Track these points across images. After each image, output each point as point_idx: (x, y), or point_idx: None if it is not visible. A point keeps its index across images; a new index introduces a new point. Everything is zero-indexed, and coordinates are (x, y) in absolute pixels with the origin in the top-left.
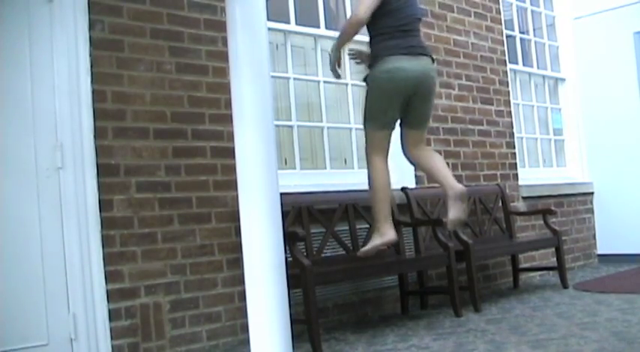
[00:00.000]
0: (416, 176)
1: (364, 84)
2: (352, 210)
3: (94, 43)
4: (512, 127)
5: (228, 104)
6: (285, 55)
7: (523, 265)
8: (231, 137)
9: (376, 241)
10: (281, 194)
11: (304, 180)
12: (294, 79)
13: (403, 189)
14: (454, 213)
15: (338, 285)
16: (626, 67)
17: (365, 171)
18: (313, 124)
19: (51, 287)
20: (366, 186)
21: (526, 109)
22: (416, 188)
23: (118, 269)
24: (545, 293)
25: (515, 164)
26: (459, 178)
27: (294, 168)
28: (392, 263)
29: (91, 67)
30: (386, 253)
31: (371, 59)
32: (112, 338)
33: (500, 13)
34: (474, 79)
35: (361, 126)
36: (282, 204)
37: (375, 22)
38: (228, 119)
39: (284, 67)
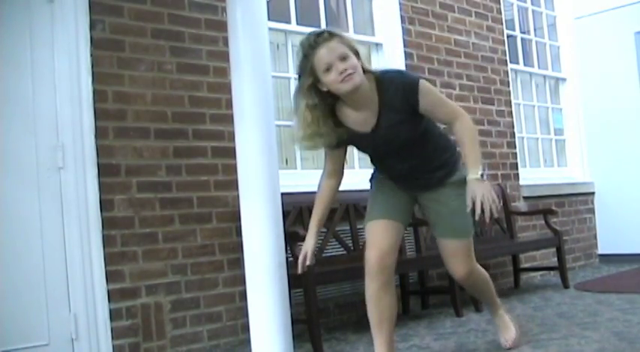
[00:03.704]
0: None
1: (458, 182)
2: (353, 209)
3: (94, 43)
4: (513, 127)
5: (229, 104)
6: (286, 54)
7: (524, 265)
8: (232, 137)
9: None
10: (282, 194)
11: (305, 180)
12: (295, 78)
13: None
14: None
15: (339, 285)
16: (626, 67)
17: (366, 171)
18: None
19: (52, 287)
20: (365, 187)
21: (527, 109)
22: None
23: (119, 269)
24: (546, 293)
25: (516, 164)
26: None
27: (295, 168)
28: None
29: (92, 66)
30: None
31: (449, 157)
32: (113, 338)
33: (501, 13)
34: (475, 79)
35: None
36: (283, 204)
37: (438, 136)
38: (229, 119)
39: (285, 67)
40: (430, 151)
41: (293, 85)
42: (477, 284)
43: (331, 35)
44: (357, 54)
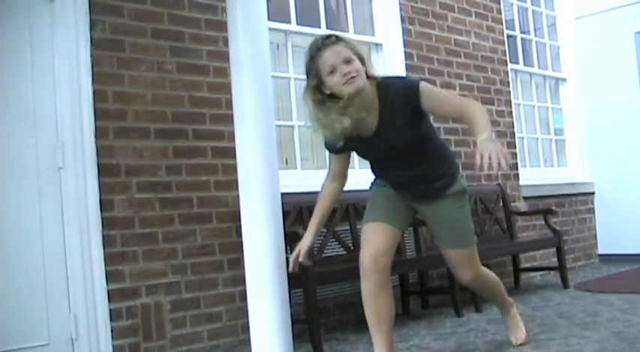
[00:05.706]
0: None
1: (458, 192)
2: (353, 209)
3: (94, 43)
4: (513, 127)
5: (229, 104)
6: (286, 54)
7: (524, 265)
8: (232, 137)
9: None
10: (282, 194)
11: (305, 180)
12: (295, 79)
13: None
14: None
15: (339, 285)
16: (627, 67)
17: (366, 171)
18: None
19: (52, 287)
20: (365, 186)
21: (527, 109)
22: None
23: (119, 269)
24: (546, 293)
25: (516, 164)
26: None
27: (295, 168)
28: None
29: (92, 67)
30: None
31: (448, 168)
32: (113, 338)
33: (501, 13)
34: (475, 79)
35: None
36: (283, 204)
37: (440, 146)
38: (229, 119)
39: (285, 67)
40: (430, 160)
41: (293, 85)
42: (485, 287)
43: (338, 39)
44: (362, 60)
